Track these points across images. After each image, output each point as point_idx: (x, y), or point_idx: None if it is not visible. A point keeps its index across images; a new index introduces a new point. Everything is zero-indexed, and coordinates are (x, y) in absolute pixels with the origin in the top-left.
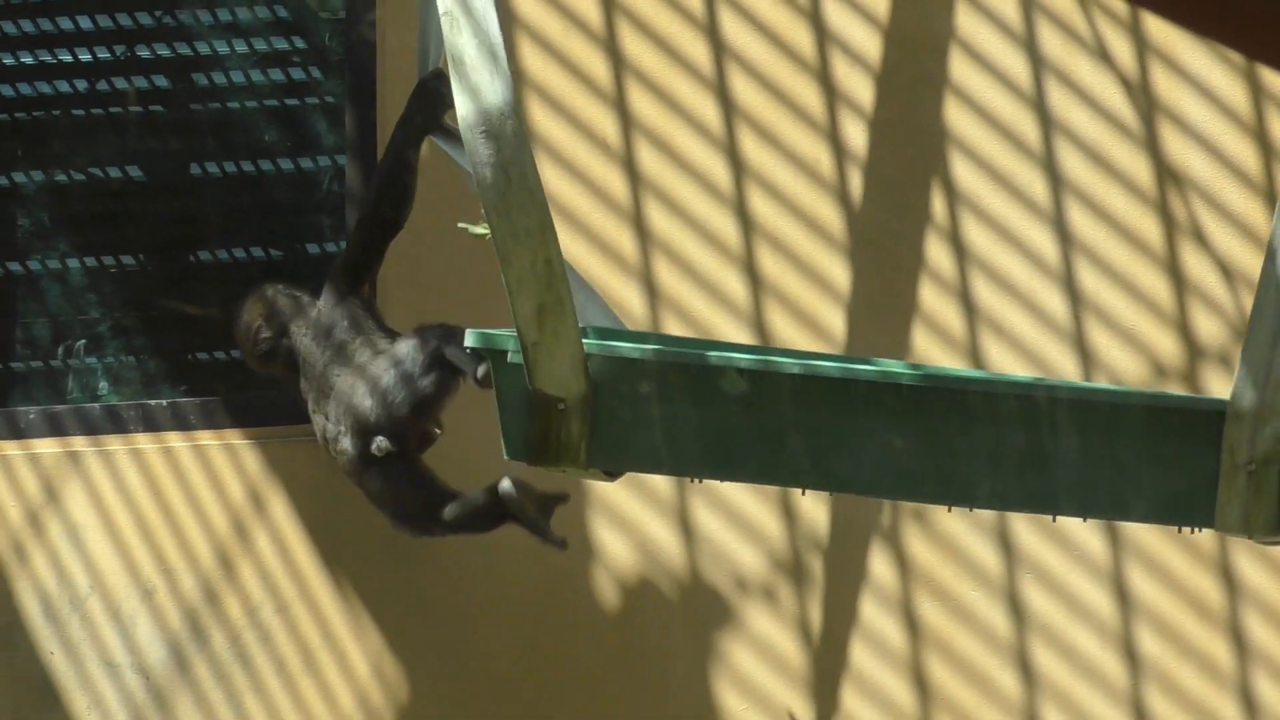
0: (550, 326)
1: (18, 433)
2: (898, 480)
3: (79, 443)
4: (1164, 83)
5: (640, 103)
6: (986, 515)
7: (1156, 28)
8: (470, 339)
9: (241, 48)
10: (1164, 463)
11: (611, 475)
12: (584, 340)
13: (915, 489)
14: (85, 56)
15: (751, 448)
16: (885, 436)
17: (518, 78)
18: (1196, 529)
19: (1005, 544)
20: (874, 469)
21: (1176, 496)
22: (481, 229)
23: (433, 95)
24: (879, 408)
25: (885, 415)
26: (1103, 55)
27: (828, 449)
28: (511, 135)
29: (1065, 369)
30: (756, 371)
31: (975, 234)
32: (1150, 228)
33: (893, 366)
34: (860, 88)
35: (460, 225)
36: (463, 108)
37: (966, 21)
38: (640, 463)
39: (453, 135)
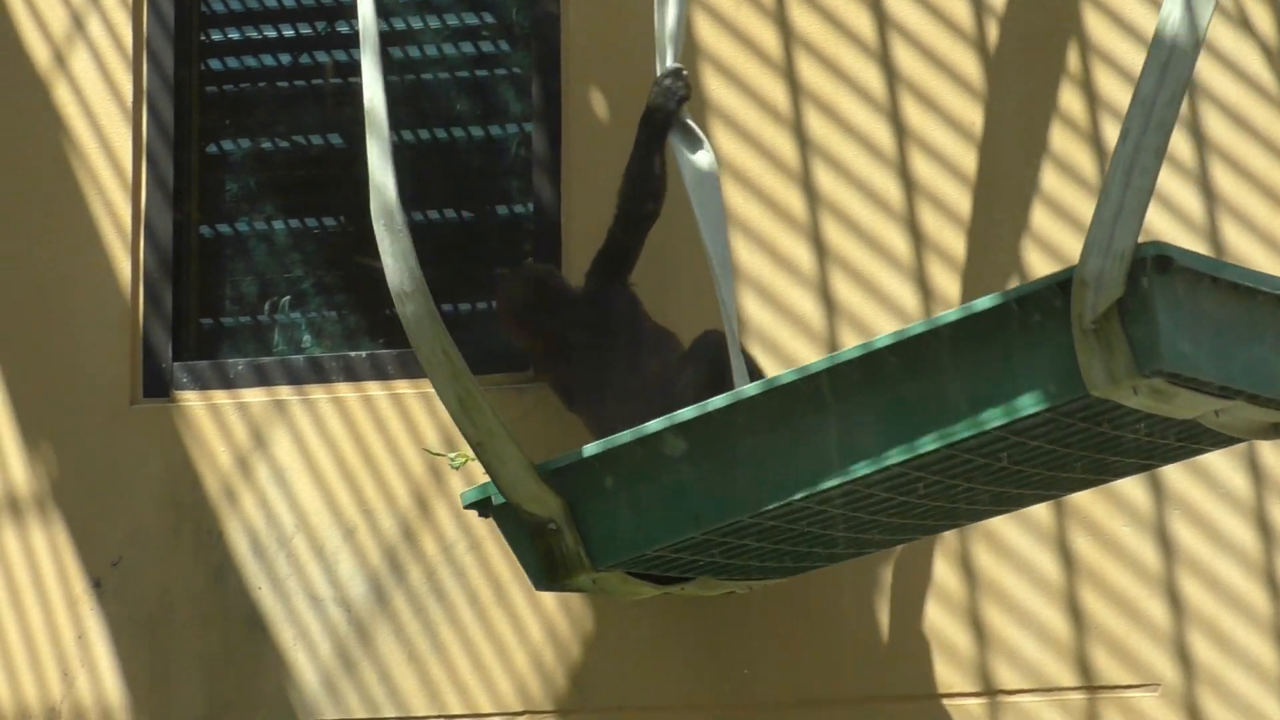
0: (479, 423)
1: (227, 383)
2: (817, 474)
3: (284, 392)
4: None
5: (808, 71)
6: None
7: None
8: (465, 498)
9: (434, 22)
10: (1029, 348)
11: (660, 582)
12: (537, 465)
13: (842, 472)
14: (288, 32)
15: (707, 495)
16: (818, 427)
17: (693, 49)
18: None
19: (1155, 483)
20: (813, 464)
21: (1050, 378)
22: (456, 456)
23: (668, 91)
24: (805, 407)
25: (814, 410)
26: (1243, 24)
27: (773, 466)
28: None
29: None
30: (686, 424)
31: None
32: None
33: (785, 375)
34: (1013, 53)
35: (446, 456)
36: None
37: None
38: (632, 547)
39: (687, 130)
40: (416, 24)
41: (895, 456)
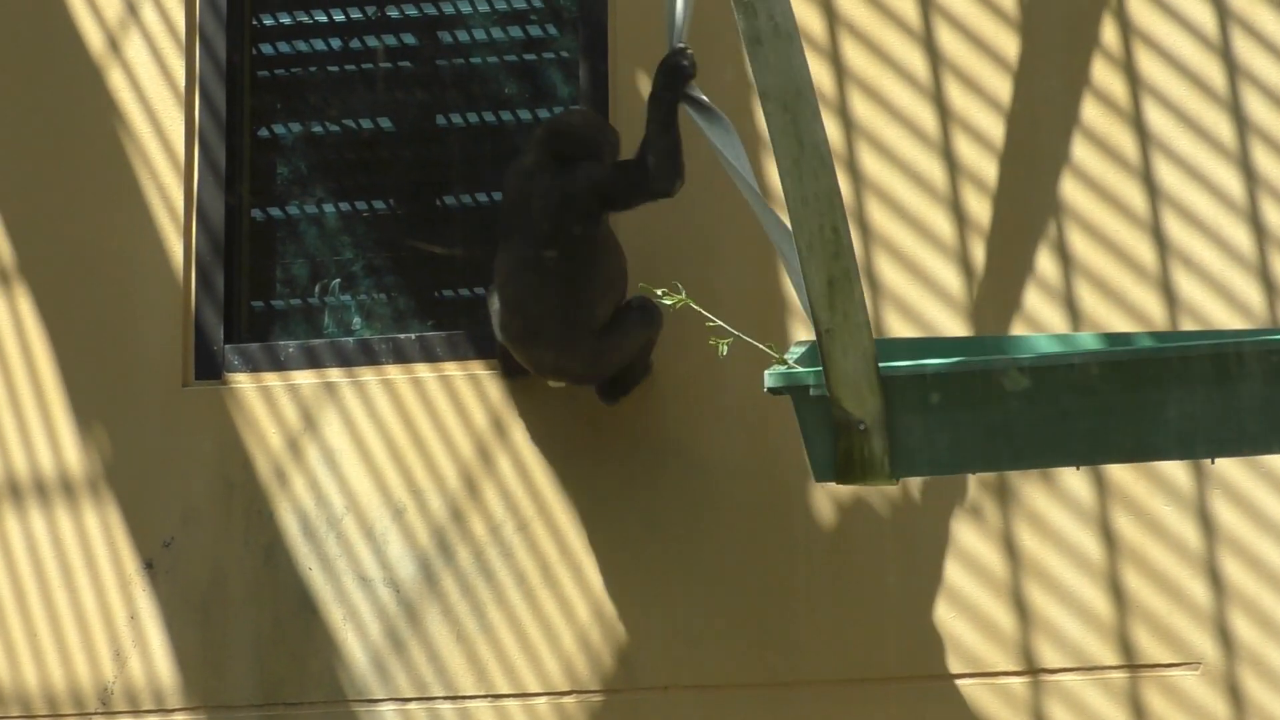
0: (840, 307)
1: (278, 365)
2: (1170, 443)
3: (334, 374)
4: None
5: (851, 54)
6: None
7: None
8: (770, 380)
9: (483, 6)
10: None
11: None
12: (880, 365)
13: (1189, 448)
14: (339, 16)
15: (1034, 437)
16: (1164, 403)
17: (736, 32)
18: None
19: (1195, 462)
20: (1148, 436)
21: None
22: (671, 298)
23: (676, 70)
24: (1158, 379)
25: (1163, 385)
26: None
27: (1111, 427)
28: (806, 107)
29: (1253, 302)
30: (1036, 368)
31: (1166, 173)
32: None
33: (1141, 339)
34: (1055, 34)
35: (652, 289)
36: (761, 81)
37: None
38: (937, 467)
39: (703, 106)
40: (465, 8)
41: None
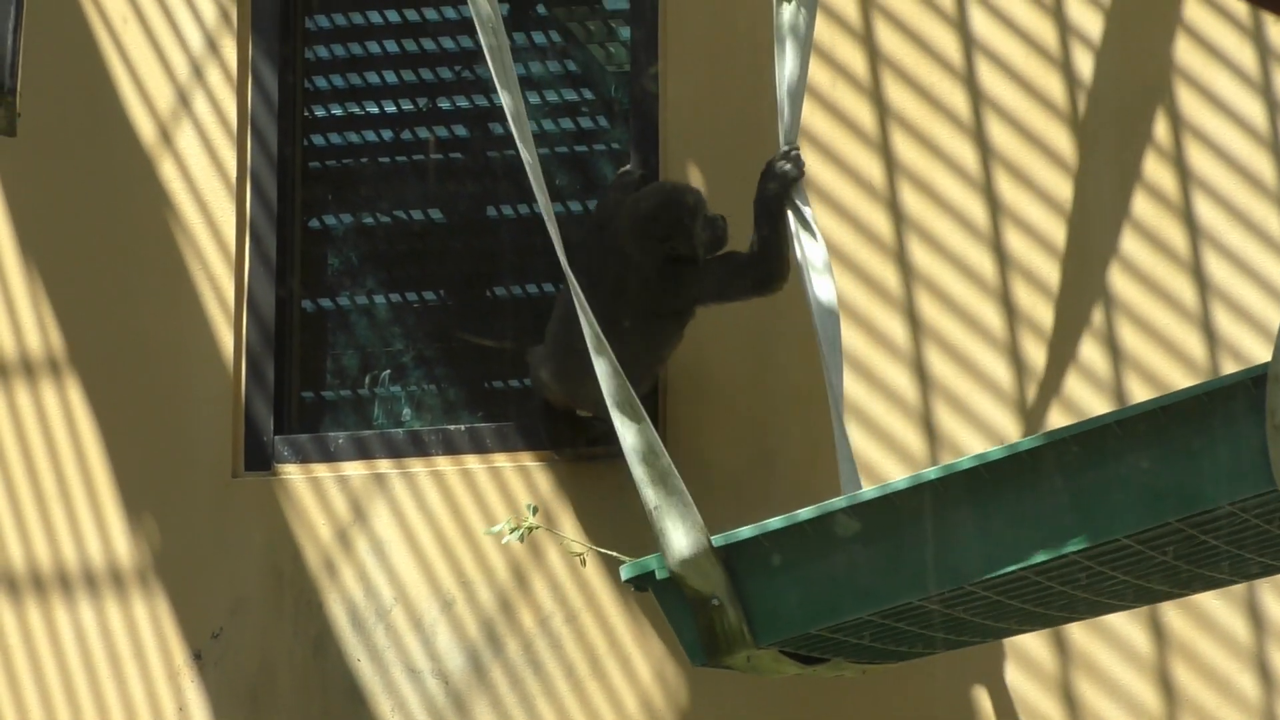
0: (662, 482)
1: (328, 456)
2: (994, 559)
3: (384, 465)
4: None
5: (903, 147)
6: None
7: None
8: (625, 572)
9: (534, 99)
10: (1219, 441)
11: (809, 662)
12: (710, 538)
13: (1018, 557)
14: (390, 108)
15: (880, 574)
16: (977, 520)
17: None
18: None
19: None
20: (974, 553)
21: (1238, 469)
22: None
23: (781, 175)
24: (968, 496)
25: (972, 501)
26: None
27: (950, 549)
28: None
29: None
30: (862, 505)
31: (1216, 267)
32: None
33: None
34: (1106, 128)
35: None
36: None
37: (1203, 68)
38: (795, 625)
39: (800, 216)
40: None
41: (1074, 545)
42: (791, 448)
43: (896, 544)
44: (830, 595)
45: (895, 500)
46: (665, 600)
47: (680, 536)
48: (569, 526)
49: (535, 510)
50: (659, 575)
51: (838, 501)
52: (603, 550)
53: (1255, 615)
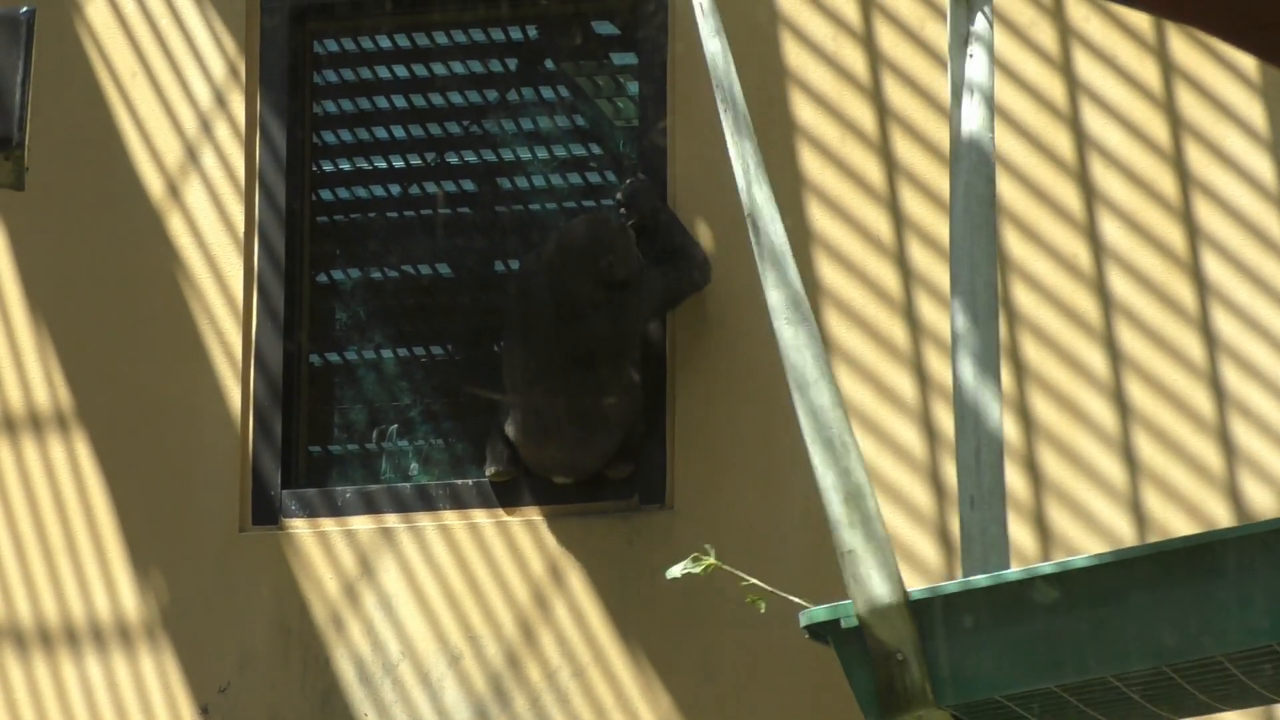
0: (859, 526)
1: (335, 510)
2: (1237, 635)
3: (391, 519)
4: None
5: (911, 202)
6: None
7: None
8: (804, 619)
9: (542, 153)
10: None
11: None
12: (909, 591)
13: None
14: (398, 163)
15: (1074, 648)
16: (1211, 595)
17: (797, 179)
18: None
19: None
20: (1176, 634)
21: None
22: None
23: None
24: (1189, 573)
25: (1197, 579)
26: None
27: (1154, 627)
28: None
29: None
30: (1058, 575)
31: (1225, 323)
32: None
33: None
34: (1115, 186)
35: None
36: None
37: (1213, 125)
38: (981, 689)
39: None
40: (525, 155)
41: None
42: (800, 500)
43: (1098, 618)
44: (1022, 663)
45: (1099, 574)
46: (845, 650)
47: (876, 585)
48: (576, 579)
49: (711, 551)
50: (845, 624)
51: (1044, 567)
52: (783, 594)
53: None
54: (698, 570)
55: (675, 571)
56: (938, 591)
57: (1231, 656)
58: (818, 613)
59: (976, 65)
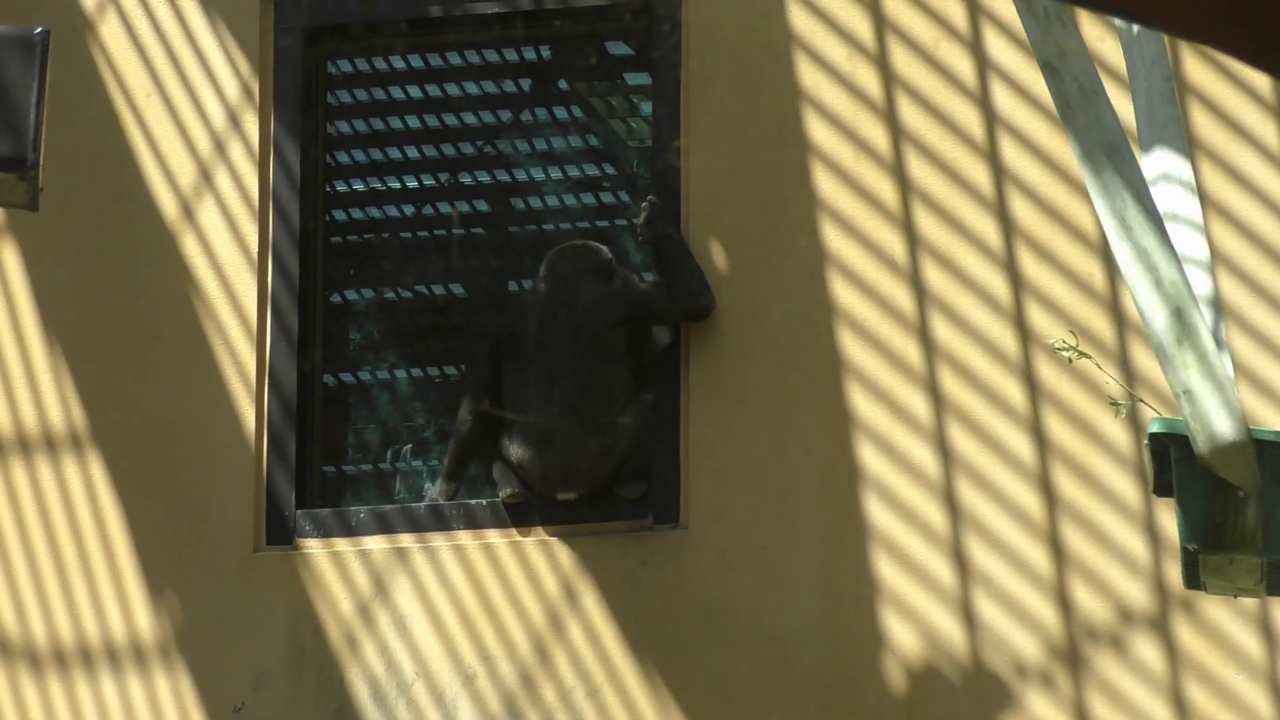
0: (1194, 365)
1: (349, 530)
2: None
3: (406, 539)
4: None
5: (925, 222)
6: (1249, 603)
7: None
8: (1154, 426)
9: (555, 173)
10: None
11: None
12: (1253, 430)
13: None
14: (412, 183)
15: None
16: None
17: (811, 199)
18: None
19: (1267, 630)
20: None
21: None
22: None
23: (664, 210)
24: None
25: None
26: None
27: None
28: (1124, 159)
29: None
30: None
31: (1240, 343)
32: None
33: None
34: None
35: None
36: (1079, 142)
37: (1226, 144)
38: None
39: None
40: (538, 175)
41: None
42: (814, 519)
43: None
44: None
45: None
46: (1184, 474)
47: (1220, 422)
48: (590, 598)
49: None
50: (1196, 449)
51: None
52: (1149, 404)
53: (1277, 691)
54: (1067, 356)
55: (1054, 344)
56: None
57: None
58: (1159, 423)
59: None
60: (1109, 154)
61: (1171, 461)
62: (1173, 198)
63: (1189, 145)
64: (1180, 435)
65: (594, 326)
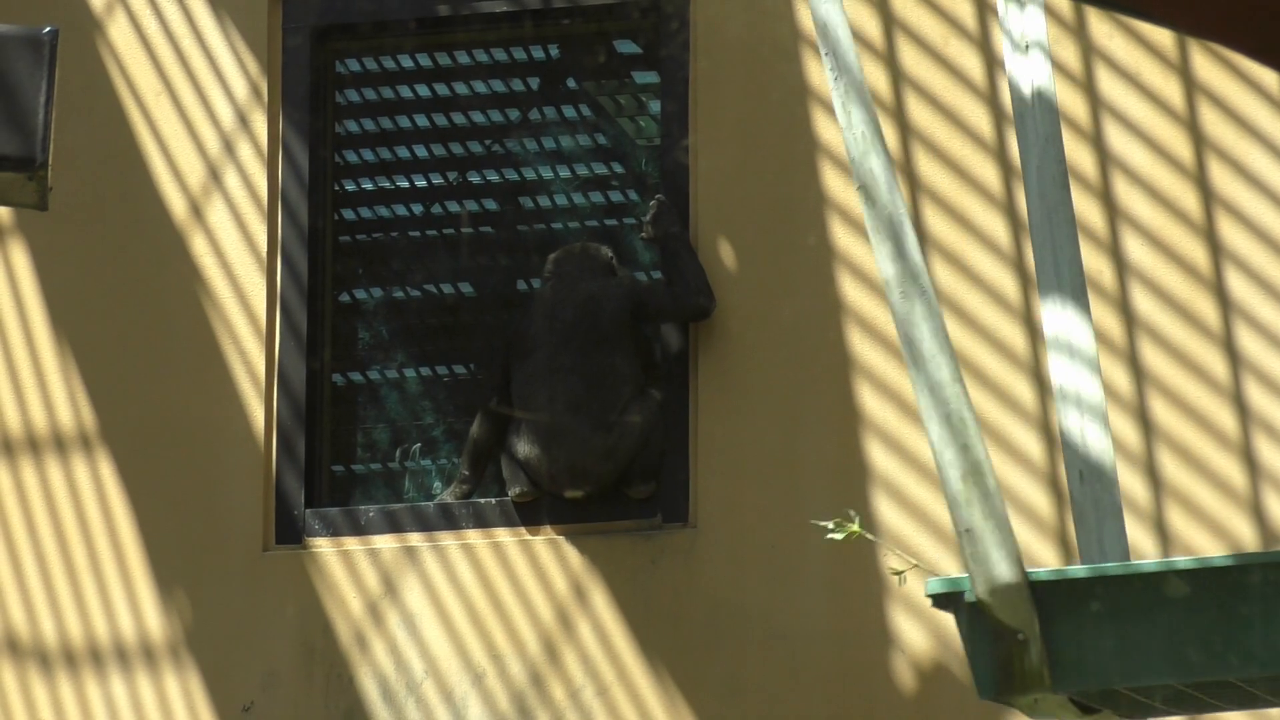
0: (978, 504)
1: (359, 530)
2: None
3: (415, 538)
4: None
5: (934, 221)
6: None
7: None
8: (933, 586)
9: (564, 172)
10: None
11: (1087, 711)
12: (1029, 571)
13: None
14: (421, 183)
15: (1201, 645)
16: None
17: (820, 197)
18: None
19: None
20: None
21: None
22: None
23: (671, 209)
24: None
25: None
26: None
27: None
28: (924, 294)
29: None
30: (1193, 571)
31: (1249, 340)
32: None
33: None
34: (1138, 203)
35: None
36: (882, 271)
37: (1235, 142)
38: (1101, 679)
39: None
40: (547, 174)
41: None
42: (824, 517)
43: (1226, 618)
44: (1146, 656)
45: (1235, 574)
46: (967, 625)
47: (996, 564)
48: (599, 597)
49: (857, 518)
50: (969, 597)
51: (1180, 561)
52: (923, 567)
53: None
54: (840, 537)
55: (827, 525)
56: (1063, 575)
57: None
58: (938, 584)
59: (1035, 63)
60: (910, 284)
61: (955, 618)
62: (1066, 323)
63: (1079, 235)
64: (958, 592)
65: (596, 320)
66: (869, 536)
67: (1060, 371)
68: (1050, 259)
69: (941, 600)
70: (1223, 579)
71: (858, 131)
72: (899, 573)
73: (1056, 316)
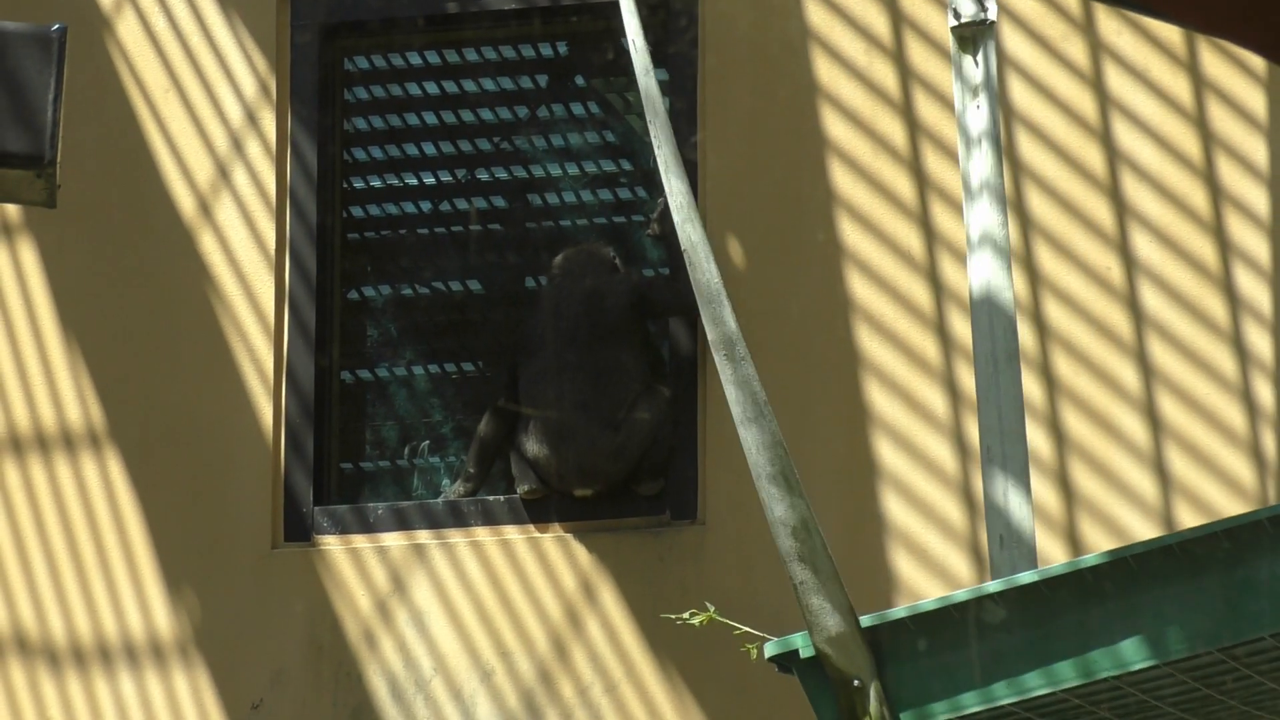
0: (810, 557)
1: (367, 527)
2: (1139, 653)
3: (423, 536)
4: None
5: (941, 217)
6: None
7: None
8: (769, 650)
9: (573, 169)
10: None
11: None
12: (861, 618)
13: (1163, 652)
14: (429, 180)
15: (1026, 665)
16: (1142, 608)
17: (828, 193)
18: None
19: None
20: (1122, 647)
21: None
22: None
23: None
24: (1118, 589)
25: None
26: None
27: (1094, 643)
28: (745, 358)
29: None
30: (1004, 593)
31: (1257, 338)
32: None
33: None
34: (1147, 200)
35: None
36: (710, 334)
37: (1243, 139)
38: (937, 712)
39: None
40: (555, 171)
41: (1222, 641)
42: (832, 514)
43: (1044, 635)
44: (974, 683)
45: (1044, 589)
46: (807, 679)
47: (827, 615)
48: (608, 594)
49: (712, 608)
50: (804, 653)
51: (990, 585)
52: (766, 638)
53: None
54: (694, 622)
55: (685, 616)
56: (885, 617)
57: (1177, 665)
58: (774, 646)
59: (982, 114)
60: (730, 350)
61: (798, 676)
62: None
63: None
64: (794, 650)
65: (599, 316)
66: (723, 620)
67: (988, 434)
68: (987, 325)
69: (780, 661)
70: (1034, 596)
71: (677, 200)
72: (749, 648)
73: (987, 381)
